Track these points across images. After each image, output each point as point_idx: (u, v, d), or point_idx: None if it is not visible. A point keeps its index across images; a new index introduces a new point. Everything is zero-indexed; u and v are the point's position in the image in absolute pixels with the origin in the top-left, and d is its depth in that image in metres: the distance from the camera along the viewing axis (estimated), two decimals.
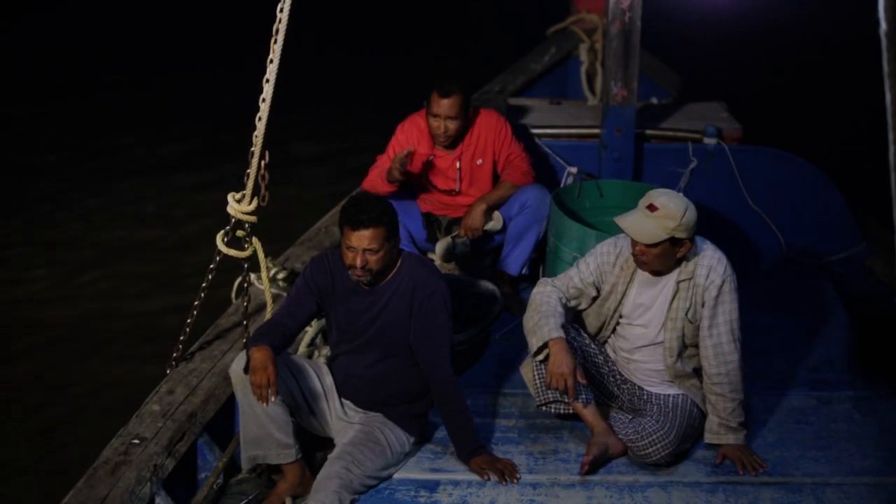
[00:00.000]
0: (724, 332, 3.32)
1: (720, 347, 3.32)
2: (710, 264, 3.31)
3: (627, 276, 3.41)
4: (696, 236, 3.36)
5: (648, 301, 3.40)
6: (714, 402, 3.38)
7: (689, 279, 3.32)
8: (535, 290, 3.50)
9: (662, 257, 3.26)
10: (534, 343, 3.38)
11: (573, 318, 3.69)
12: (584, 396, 3.44)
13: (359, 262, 3.19)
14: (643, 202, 3.26)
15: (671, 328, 3.37)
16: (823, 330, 4.34)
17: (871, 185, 3.12)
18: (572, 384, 3.25)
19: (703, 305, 3.32)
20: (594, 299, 3.51)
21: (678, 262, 3.33)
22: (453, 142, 4.35)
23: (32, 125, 9.67)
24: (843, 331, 4.35)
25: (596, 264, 3.45)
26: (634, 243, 3.27)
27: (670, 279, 3.35)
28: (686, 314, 3.34)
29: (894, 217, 1.82)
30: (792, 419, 3.69)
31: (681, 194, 3.31)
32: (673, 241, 3.23)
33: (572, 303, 3.50)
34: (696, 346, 3.40)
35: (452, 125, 4.26)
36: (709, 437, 3.42)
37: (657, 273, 3.36)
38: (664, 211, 3.19)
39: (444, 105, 4.23)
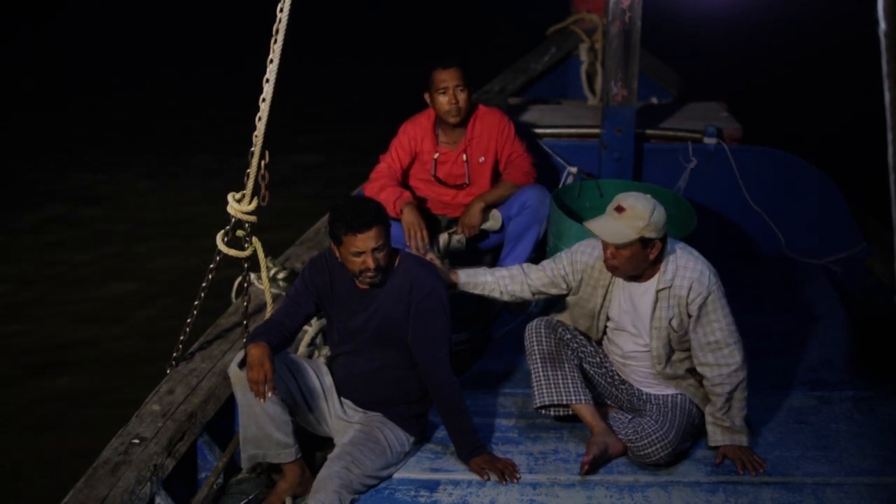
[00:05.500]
0: (720, 337, 3.31)
1: (720, 352, 3.31)
2: (693, 277, 3.27)
3: (607, 279, 3.42)
4: (677, 243, 3.38)
5: (632, 307, 3.40)
6: (714, 401, 3.38)
7: (668, 288, 3.30)
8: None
9: (633, 259, 3.24)
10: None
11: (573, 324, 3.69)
12: (582, 396, 3.46)
13: (372, 264, 3.20)
14: (611, 206, 3.26)
15: (656, 336, 3.36)
16: (823, 330, 4.34)
17: (871, 185, 3.12)
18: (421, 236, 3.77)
19: (690, 317, 3.31)
20: (565, 296, 3.55)
21: (653, 266, 3.31)
22: (462, 120, 4.34)
23: (31, 127, 9.67)
24: (842, 331, 4.35)
25: (570, 260, 3.49)
26: (606, 247, 3.27)
27: (650, 287, 3.34)
28: (670, 323, 3.32)
29: (894, 217, 1.82)
30: (792, 419, 3.69)
31: (648, 196, 3.28)
32: (643, 242, 3.21)
33: (541, 287, 3.55)
34: (685, 350, 3.40)
35: (462, 95, 4.25)
36: (710, 441, 3.43)
37: (633, 278, 3.35)
38: (632, 212, 3.19)
39: (450, 75, 4.22)
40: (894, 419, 3.67)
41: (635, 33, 4.61)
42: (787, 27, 10.57)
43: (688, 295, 3.28)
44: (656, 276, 3.32)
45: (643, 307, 3.36)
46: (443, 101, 4.26)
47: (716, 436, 3.40)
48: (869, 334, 4.29)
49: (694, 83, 7.20)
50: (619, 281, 3.41)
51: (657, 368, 3.41)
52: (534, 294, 3.59)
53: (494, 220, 4.43)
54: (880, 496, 3.22)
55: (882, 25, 1.69)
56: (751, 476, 3.31)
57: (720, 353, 3.31)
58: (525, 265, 3.61)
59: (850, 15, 5.67)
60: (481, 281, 3.59)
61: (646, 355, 3.44)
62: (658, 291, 3.32)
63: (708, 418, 3.41)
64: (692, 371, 3.44)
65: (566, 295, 3.55)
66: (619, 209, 3.21)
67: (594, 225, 3.25)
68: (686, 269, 3.29)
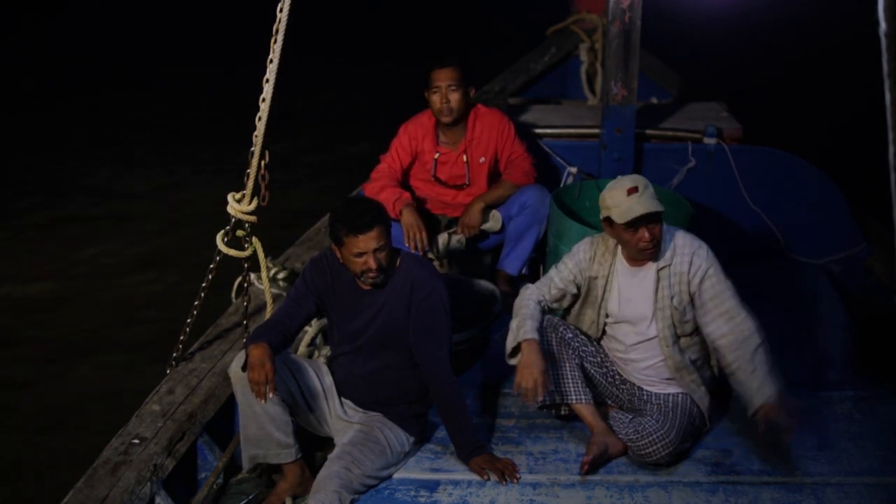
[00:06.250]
0: (730, 306, 3.30)
1: (734, 321, 3.30)
2: (691, 251, 3.34)
3: (606, 269, 3.44)
4: (671, 227, 3.42)
5: (632, 294, 3.41)
6: (741, 368, 3.25)
7: (669, 266, 3.34)
8: (517, 298, 3.53)
9: (662, 229, 3.31)
10: (508, 345, 3.42)
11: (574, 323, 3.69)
12: (583, 396, 3.46)
13: (374, 264, 3.20)
14: (620, 195, 3.24)
15: (661, 318, 3.37)
16: (823, 330, 4.34)
17: (871, 185, 3.12)
18: (542, 382, 3.26)
19: (691, 294, 3.33)
20: (576, 297, 3.54)
21: None
22: (456, 120, 4.33)
23: (31, 127, 9.68)
24: (842, 331, 4.35)
25: (574, 262, 3.49)
26: (644, 234, 3.25)
27: (650, 269, 3.37)
28: (672, 301, 3.35)
29: (894, 217, 1.82)
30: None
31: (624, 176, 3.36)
32: None
33: (555, 304, 3.55)
34: (690, 334, 3.40)
35: (454, 96, 4.26)
36: (749, 410, 3.26)
37: (637, 263, 3.38)
38: (642, 185, 3.26)
39: (443, 74, 4.23)
40: (894, 419, 3.67)
41: (635, 33, 4.61)
42: (787, 27, 10.57)
43: (689, 269, 3.33)
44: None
45: (645, 291, 3.38)
46: (435, 99, 4.28)
47: (752, 401, 3.24)
48: (869, 334, 4.29)
49: (694, 83, 7.21)
50: (618, 271, 3.42)
51: (666, 353, 3.41)
52: (556, 310, 3.60)
53: (494, 221, 4.43)
54: (880, 496, 3.22)
55: (882, 25, 1.69)
56: (788, 432, 3.18)
57: (734, 321, 3.30)
58: (536, 295, 3.50)
59: (850, 15, 5.67)
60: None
61: (649, 345, 3.44)
62: (659, 271, 3.35)
63: (740, 390, 3.28)
64: (696, 363, 3.45)
65: (577, 295, 3.55)
66: (632, 190, 3.24)
67: (638, 209, 3.20)
68: (684, 247, 3.36)
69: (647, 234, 3.26)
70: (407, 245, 4.18)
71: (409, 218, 4.20)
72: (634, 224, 3.24)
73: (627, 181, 3.28)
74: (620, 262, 3.43)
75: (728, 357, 3.34)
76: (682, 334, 3.41)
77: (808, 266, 5.00)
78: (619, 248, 3.42)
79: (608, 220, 3.32)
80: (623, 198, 3.24)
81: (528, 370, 3.29)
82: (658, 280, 3.36)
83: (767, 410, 3.24)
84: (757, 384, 3.27)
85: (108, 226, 7.36)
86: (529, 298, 3.49)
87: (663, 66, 7.28)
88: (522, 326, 3.39)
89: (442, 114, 4.30)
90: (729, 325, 3.32)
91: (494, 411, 3.74)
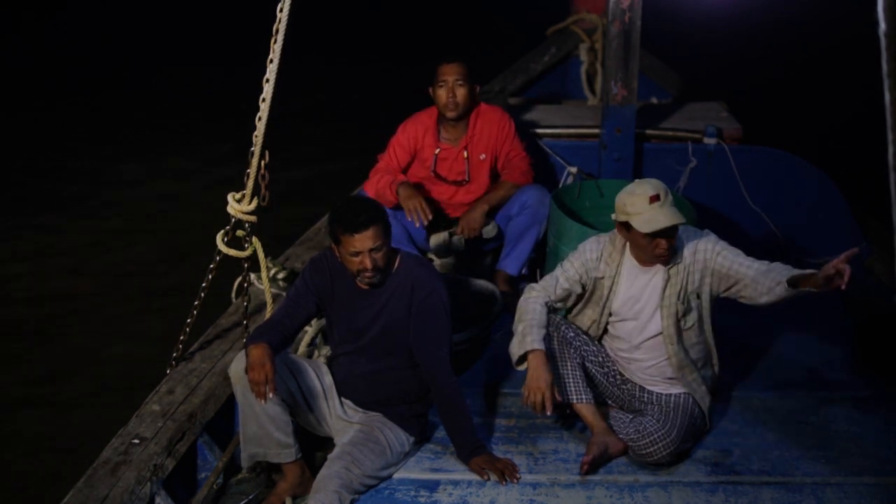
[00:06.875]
0: (751, 260, 3.28)
1: (758, 261, 3.28)
2: (696, 241, 3.35)
3: (613, 269, 3.43)
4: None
5: (638, 292, 3.41)
6: (780, 282, 3.20)
7: (678, 263, 3.34)
8: (521, 298, 3.51)
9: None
10: (515, 353, 3.40)
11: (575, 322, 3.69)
12: (584, 396, 3.46)
13: (369, 264, 3.19)
14: (640, 204, 3.21)
15: (667, 315, 3.37)
16: (823, 330, 4.35)
17: (871, 185, 3.11)
18: (549, 396, 3.26)
19: (714, 273, 3.31)
20: (581, 296, 3.53)
21: None
22: (461, 115, 4.35)
23: (31, 127, 9.67)
24: (843, 331, 4.35)
25: (581, 261, 3.47)
26: (662, 243, 3.24)
27: (660, 268, 3.36)
28: (678, 298, 3.35)
29: (894, 217, 1.82)
30: (792, 419, 3.69)
31: (643, 180, 3.32)
32: None
33: (559, 304, 3.53)
34: (693, 330, 3.40)
35: (460, 91, 4.28)
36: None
37: (644, 262, 3.38)
38: (662, 193, 3.22)
39: (451, 69, 4.27)
40: (894, 419, 3.67)
41: (635, 33, 4.61)
42: (787, 27, 10.57)
43: (694, 259, 3.32)
44: None
45: (653, 288, 3.37)
46: (441, 94, 4.30)
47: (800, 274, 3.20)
48: (869, 334, 4.29)
49: (694, 83, 7.21)
50: (625, 270, 3.42)
51: (670, 350, 3.40)
52: (560, 309, 3.60)
53: (492, 228, 4.46)
54: (880, 496, 3.23)
55: (882, 25, 1.69)
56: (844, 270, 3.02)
57: (759, 261, 3.28)
58: (542, 297, 3.47)
59: (850, 15, 5.66)
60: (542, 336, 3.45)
61: (654, 343, 3.43)
62: (668, 269, 3.34)
63: (789, 285, 3.20)
64: (699, 363, 3.45)
65: (582, 294, 3.55)
66: (654, 198, 3.20)
67: (659, 222, 3.17)
68: (687, 241, 3.36)
69: (664, 244, 3.25)
70: (409, 219, 4.20)
71: (406, 191, 4.24)
72: (655, 234, 3.23)
73: (649, 188, 3.23)
74: (629, 260, 3.42)
75: (768, 276, 3.23)
76: (685, 329, 3.41)
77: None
78: (628, 247, 3.40)
79: (625, 224, 3.29)
80: (645, 206, 3.20)
81: (535, 384, 3.28)
82: (668, 278, 3.35)
83: (827, 269, 3.06)
84: (799, 270, 3.21)
85: (107, 226, 7.35)
86: (535, 301, 3.45)
87: (663, 66, 7.28)
88: (529, 334, 3.36)
89: (447, 108, 4.31)
90: (757, 263, 3.28)
91: (494, 411, 3.75)
